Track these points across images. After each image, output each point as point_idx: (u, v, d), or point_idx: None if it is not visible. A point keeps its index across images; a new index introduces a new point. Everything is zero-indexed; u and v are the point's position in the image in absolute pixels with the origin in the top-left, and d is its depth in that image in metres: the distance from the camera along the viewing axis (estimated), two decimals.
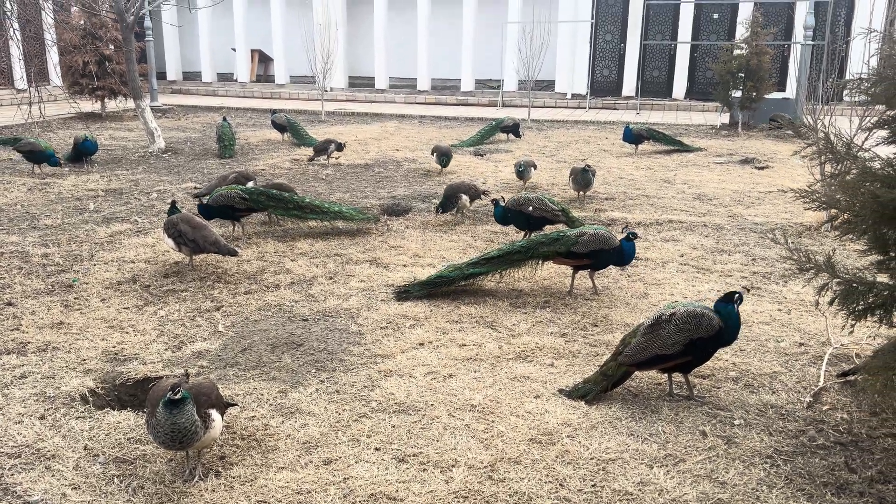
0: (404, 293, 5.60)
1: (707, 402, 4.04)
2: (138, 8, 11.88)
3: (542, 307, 5.47)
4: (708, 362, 4.21)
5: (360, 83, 23.12)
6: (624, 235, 5.59)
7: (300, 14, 20.94)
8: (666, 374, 4.17)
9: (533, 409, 3.91)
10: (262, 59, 24.07)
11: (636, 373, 4.17)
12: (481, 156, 12.26)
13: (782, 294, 5.76)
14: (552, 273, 6.10)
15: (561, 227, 6.96)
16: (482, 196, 8.05)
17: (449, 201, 7.80)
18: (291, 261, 6.51)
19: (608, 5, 20.41)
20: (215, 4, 19.39)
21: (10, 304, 5.33)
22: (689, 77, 20.26)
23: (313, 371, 4.35)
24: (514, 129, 13.96)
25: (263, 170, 10.65)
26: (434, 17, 21.79)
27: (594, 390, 4.04)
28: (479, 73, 22.01)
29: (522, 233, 7.21)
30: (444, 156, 10.37)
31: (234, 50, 23.21)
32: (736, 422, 3.83)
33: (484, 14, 21.35)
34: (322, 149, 11.20)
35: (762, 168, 11.27)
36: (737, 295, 4.01)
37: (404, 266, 6.40)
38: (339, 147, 11.18)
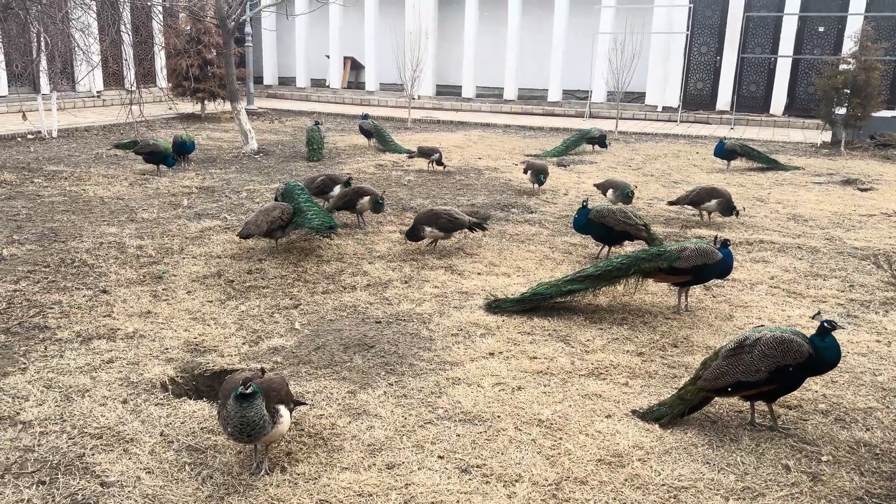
0: (495, 307, 5.47)
1: (792, 435, 3.79)
2: (239, 14, 12.40)
3: (619, 323, 5.30)
4: (795, 392, 3.96)
5: (448, 92, 23.30)
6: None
7: (392, 23, 21.32)
8: (748, 402, 3.95)
9: (603, 428, 3.78)
10: (354, 67, 24.66)
11: (716, 399, 3.97)
12: (564, 167, 12.09)
13: (882, 324, 5.36)
14: (630, 288, 5.92)
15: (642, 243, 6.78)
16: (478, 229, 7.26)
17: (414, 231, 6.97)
18: (369, 263, 6.59)
19: (705, 17, 19.76)
20: (312, 12, 20.04)
21: (104, 291, 5.62)
22: (789, 92, 19.34)
23: (383, 374, 4.36)
24: (600, 140, 13.71)
25: (349, 173, 10.86)
26: (524, 28, 21.73)
27: (670, 414, 3.87)
28: (566, 84, 21.77)
29: (601, 246, 7.05)
30: (541, 173, 9.82)
31: (327, 57, 23.89)
32: (823, 458, 3.58)
33: (574, 24, 21.12)
34: (427, 153, 11.39)
35: (865, 189, 10.59)
36: (825, 321, 3.75)
37: (479, 274, 6.36)
38: (440, 161, 11.29)
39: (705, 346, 4.88)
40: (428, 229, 6.80)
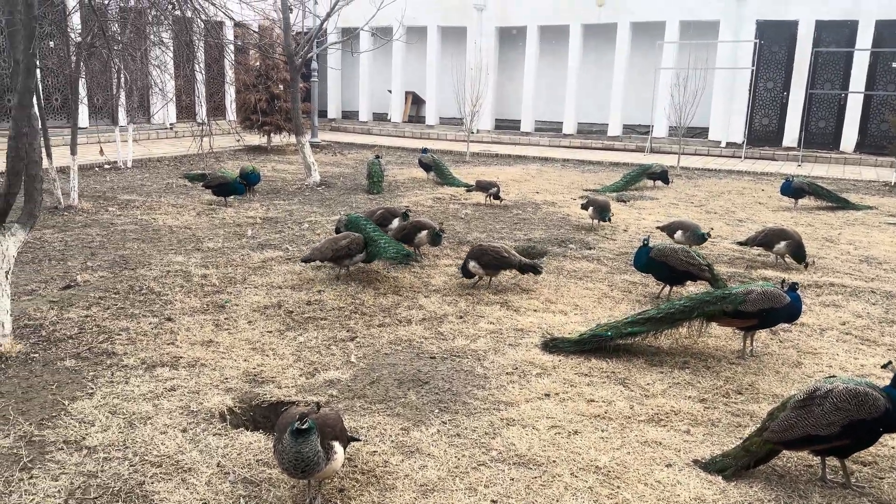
0: (552, 346, 5.38)
1: (867, 494, 3.58)
2: (306, 52, 12.81)
3: (681, 367, 5.15)
4: (871, 448, 3.75)
5: (506, 126, 23.45)
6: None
7: (454, 59, 21.68)
8: (818, 457, 3.75)
9: (663, 478, 3.65)
10: (416, 101, 25.12)
11: (784, 451, 3.78)
12: (624, 202, 11.94)
13: None
14: (693, 331, 5.74)
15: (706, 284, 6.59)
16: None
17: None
18: (425, 297, 6.61)
19: (771, 52, 19.40)
20: (375, 49, 20.56)
21: (169, 319, 5.79)
22: (861, 129, 18.68)
23: (436, 411, 4.33)
24: (662, 175, 13.50)
25: (407, 206, 10.98)
26: (584, 63, 21.76)
27: (734, 465, 3.71)
28: (627, 118, 21.63)
29: (662, 285, 6.89)
30: (604, 209, 9.54)
31: (389, 92, 24.41)
32: None
33: (636, 59, 21.02)
34: (484, 187, 11.46)
35: None
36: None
37: (535, 311, 6.30)
38: (497, 195, 11.33)
39: (772, 395, 4.68)
40: (472, 264, 6.79)
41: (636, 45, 21.02)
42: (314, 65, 19.70)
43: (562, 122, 22.18)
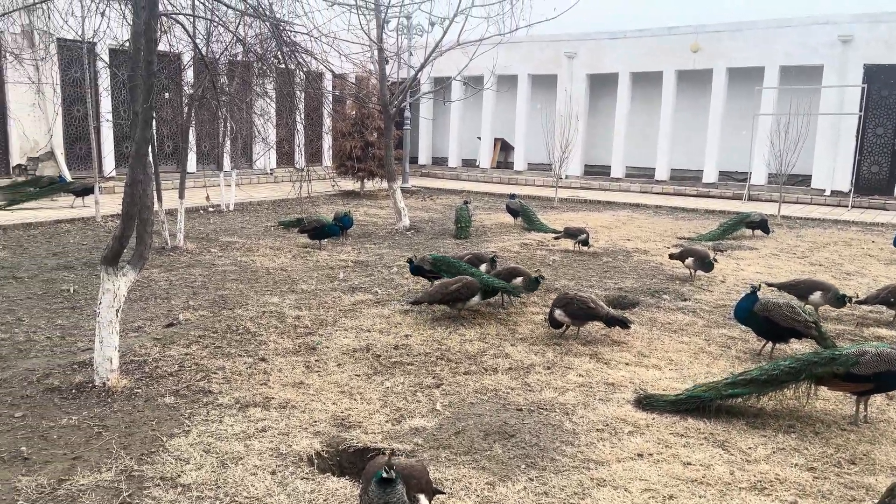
0: (646, 404, 5.15)
1: None
2: (401, 101, 13.21)
3: (786, 431, 4.81)
4: None
5: (596, 171, 23.23)
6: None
7: (543, 106, 21.82)
8: None
9: None
10: (504, 147, 25.36)
11: None
12: (721, 251, 11.48)
13: None
14: (800, 394, 5.38)
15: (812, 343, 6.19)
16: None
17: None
18: (511, 345, 6.52)
19: (881, 97, 18.43)
20: (466, 98, 20.97)
21: (263, 359, 5.96)
22: None
23: (523, 466, 4.22)
24: (761, 224, 12.94)
25: (494, 252, 10.98)
26: (678, 108, 21.37)
27: None
28: (723, 165, 20.99)
29: (764, 341, 6.52)
30: (704, 260, 9.09)
31: (479, 138, 24.76)
32: None
33: (732, 105, 20.47)
34: (573, 234, 11.36)
35: None
36: None
37: (627, 364, 6.08)
38: (586, 242, 11.20)
39: (890, 466, 4.29)
40: (559, 312, 6.65)
41: (733, 91, 20.49)
42: (407, 113, 20.28)
43: (653, 168, 21.77)
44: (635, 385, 5.56)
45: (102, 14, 5.55)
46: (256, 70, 11.15)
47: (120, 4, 6.50)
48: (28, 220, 12.27)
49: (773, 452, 4.47)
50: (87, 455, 4.16)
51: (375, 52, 12.70)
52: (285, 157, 21.98)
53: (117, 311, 5.19)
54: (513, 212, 14.02)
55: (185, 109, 10.91)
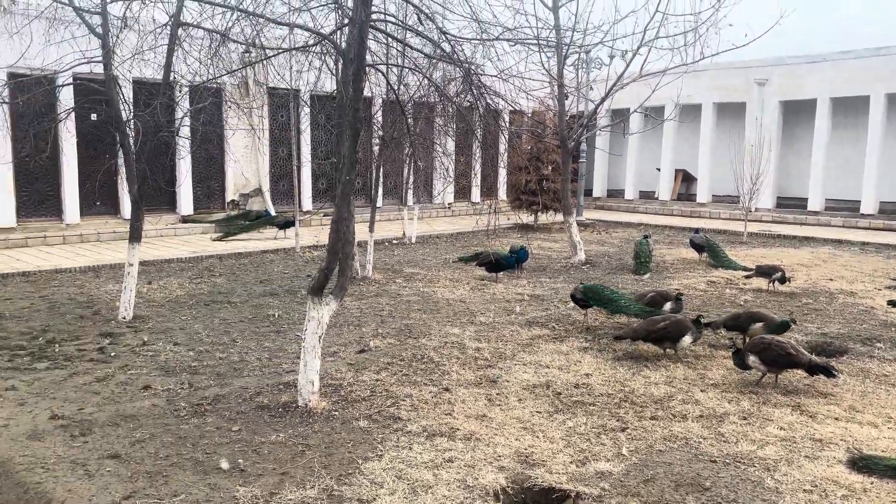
0: (862, 466, 4.63)
1: None
2: (579, 135, 13.17)
3: None
4: None
5: (790, 204, 21.50)
6: None
7: (730, 135, 20.70)
8: None
9: None
10: (686, 179, 24.30)
11: None
12: None
13: None
14: None
15: None
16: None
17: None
18: (701, 391, 6.17)
19: None
20: (647, 130, 20.44)
21: (447, 389, 6.14)
22: None
23: None
24: None
25: (678, 289, 10.50)
26: (887, 135, 19.29)
27: None
28: None
29: None
30: None
31: (658, 170, 23.95)
32: None
33: None
34: (766, 272, 10.65)
35: None
36: None
37: (836, 419, 5.51)
38: (783, 280, 10.44)
39: None
40: (752, 358, 6.18)
41: None
42: (583, 145, 20.15)
43: (858, 201, 19.73)
44: (847, 443, 5.03)
45: (320, 70, 6.14)
46: (440, 111, 11.71)
47: (327, 58, 7.16)
48: (239, 250, 13.69)
49: None
50: (294, 472, 4.52)
51: (555, 88, 12.80)
52: (462, 192, 22.68)
53: (320, 337, 5.63)
54: (697, 247, 13.35)
55: (377, 150, 11.66)
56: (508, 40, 6.00)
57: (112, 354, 7.02)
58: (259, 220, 16.00)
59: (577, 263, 13.02)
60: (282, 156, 18.62)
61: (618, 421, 5.48)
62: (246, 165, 17.67)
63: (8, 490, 4.21)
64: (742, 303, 9.79)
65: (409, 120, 12.01)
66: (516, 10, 11.66)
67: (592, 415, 5.61)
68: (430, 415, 5.51)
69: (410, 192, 15.51)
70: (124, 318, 8.32)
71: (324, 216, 18.39)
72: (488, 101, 6.05)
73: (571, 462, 4.73)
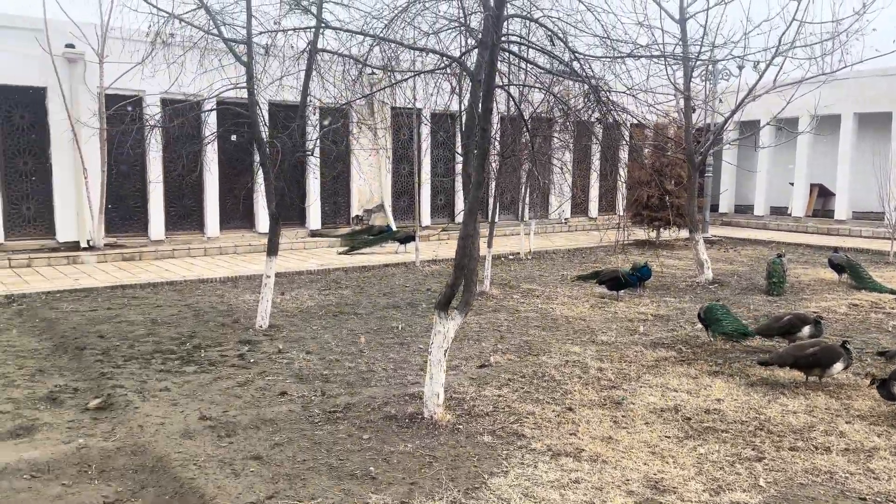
0: None
1: None
2: (707, 149, 12.71)
3: None
4: None
5: None
6: None
7: (873, 147, 19.24)
8: None
9: None
10: (822, 194, 22.77)
11: None
12: None
13: None
14: None
15: None
16: None
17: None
18: (846, 423, 5.76)
19: None
20: (780, 144, 19.39)
21: (570, 409, 6.08)
22: None
23: None
24: None
25: (816, 312, 9.85)
26: None
27: None
28: None
29: None
30: None
31: (791, 185, 22.61)
32: None
33: None
34: None
35: None
36: None
37: None
38: None
39: None
40: None
41: None
42: (709, 159, 19.37)
43: None
44: None
45: (453, 91, 6.33)
46: (559, 126, 11.66)
47: (451, 78, 7.36)
48: (364, 263, 14.22)
49: None
50: (422, 482, 4.64)
51: (681, 101, 12.43)
52: (579, 207, 22.40)
53: (445, 351, 5.75)
54: (837, 267, 12.47)
55: (495, 166, 11.77)
56: (637, 56, 5.92)
57: (251, 361, 7.49)
58: (381, 235, 16.54)
59: (703, 282, 12.52)
60: (403, 173, 19.18)
61: (753, 450, 5.22)
62: (370, 182, 18.33)
63: (166, 483, 4.59)
64: (891, 328, 9.05)
65: (532, 137, 12.06)
66: (640, 22, 11.46)
67: (725, 442, 5.37)
68: (554, 434, 5.48)
69: (527, 207, 15.51)
70: (261, 326, 8.86)
71: (442, 231, 18.74)
72: (615, 116, 5.99)
73: (704, 490, 4.55)
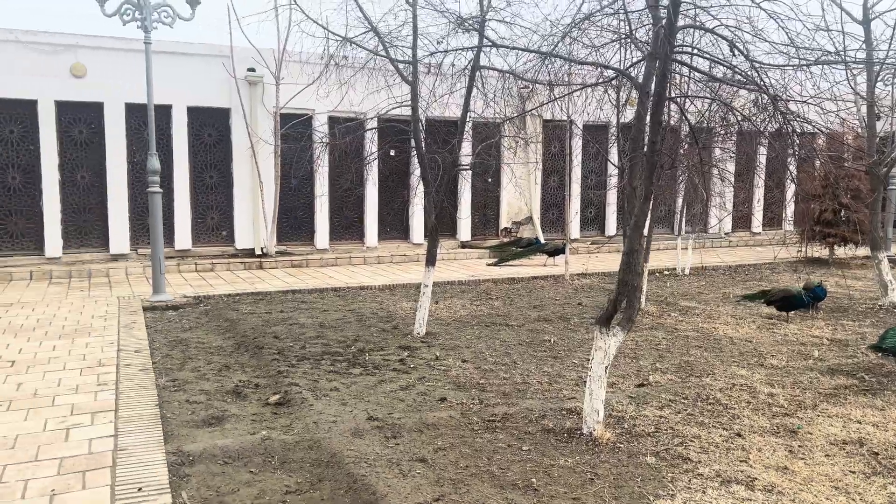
0: None
1: None
2: (893, 160, 11.61)
3: None
4: None
5: None
6: None
7: None
8: None
9: None
10: None
11: None
12: None
13: None
14: None
15: None
16: None
17: None
18: None
19: None
20: None
21: (739, 435, 5.77)
22: None
23: None
24: None
25: None
26: None
27: None
28: None
29: None
30: None
31: None
32: None
33: None
34: None
35: None
36: None
37: None
38: None
39: None
40: None
41: None
42: (893, 171, 17.60)
43: None
44: None
45: (618, 103, 6.28)
46: (721, 136, 11.11)
47: (610, 90, 7.27)
48: (513, 275, 14.32)
49: None
50: (585, 498, 4.60)
51: (863, 109, 11.42)
52: (741, 221, 21.17)
53: (606, 367, 5.68)
54: None
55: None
56: (820, 63, 5.55)
57: (411, 366, 7.80)
58: (530, 248, 16.58)
59: (888, 305, 11.40)
60: (552, 185, 19.12)
61: None
62: (519, 195, 18.45)
63: (340, 478, 4.90)
64: None
65: (701, 149, 11.62)
66: (816, 24, 10.67)
67: None
68: (723, 459, 5.24)
69: (684, 220, 14.90)
70: (418, 333, 9.19)
71: (591, 244, 18.45)
72: (793, 126, 5.65)
73: None
